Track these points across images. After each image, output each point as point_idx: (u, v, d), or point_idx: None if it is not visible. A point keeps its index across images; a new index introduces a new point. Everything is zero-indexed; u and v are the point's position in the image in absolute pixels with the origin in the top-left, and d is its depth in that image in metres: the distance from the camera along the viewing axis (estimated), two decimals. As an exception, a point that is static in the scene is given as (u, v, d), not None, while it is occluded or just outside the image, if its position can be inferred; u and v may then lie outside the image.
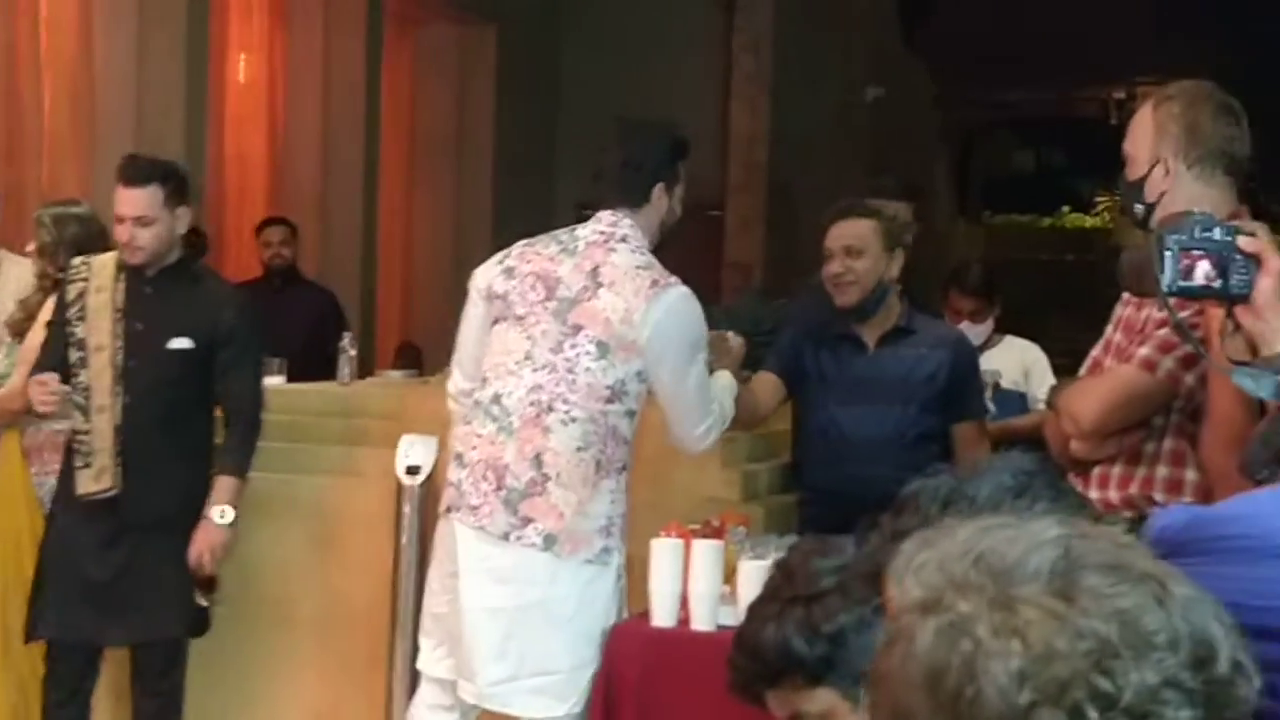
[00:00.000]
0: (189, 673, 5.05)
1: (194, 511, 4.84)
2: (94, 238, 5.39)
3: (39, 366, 4.93)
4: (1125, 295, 3.37)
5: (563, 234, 4.30)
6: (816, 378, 4.92)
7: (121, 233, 4.89)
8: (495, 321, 4.26)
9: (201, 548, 4.81)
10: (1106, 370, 3.37)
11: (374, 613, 5.04)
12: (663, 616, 4.22)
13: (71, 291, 4.97)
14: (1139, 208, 3.30)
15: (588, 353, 4.12)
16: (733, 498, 5.00)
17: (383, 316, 10.73)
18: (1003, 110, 11.80)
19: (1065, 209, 11.34)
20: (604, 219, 4.27)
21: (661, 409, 4.26)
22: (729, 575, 4.24)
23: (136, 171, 4.93)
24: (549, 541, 4.11)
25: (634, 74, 11.92)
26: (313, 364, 6.77)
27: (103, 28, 8.26)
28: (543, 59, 12.01)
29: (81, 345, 4.92)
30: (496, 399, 4.19)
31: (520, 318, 4.20)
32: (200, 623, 4.97)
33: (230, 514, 4.83)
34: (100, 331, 4.92)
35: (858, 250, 4.82)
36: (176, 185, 4.95)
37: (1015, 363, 6.32)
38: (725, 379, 4.51)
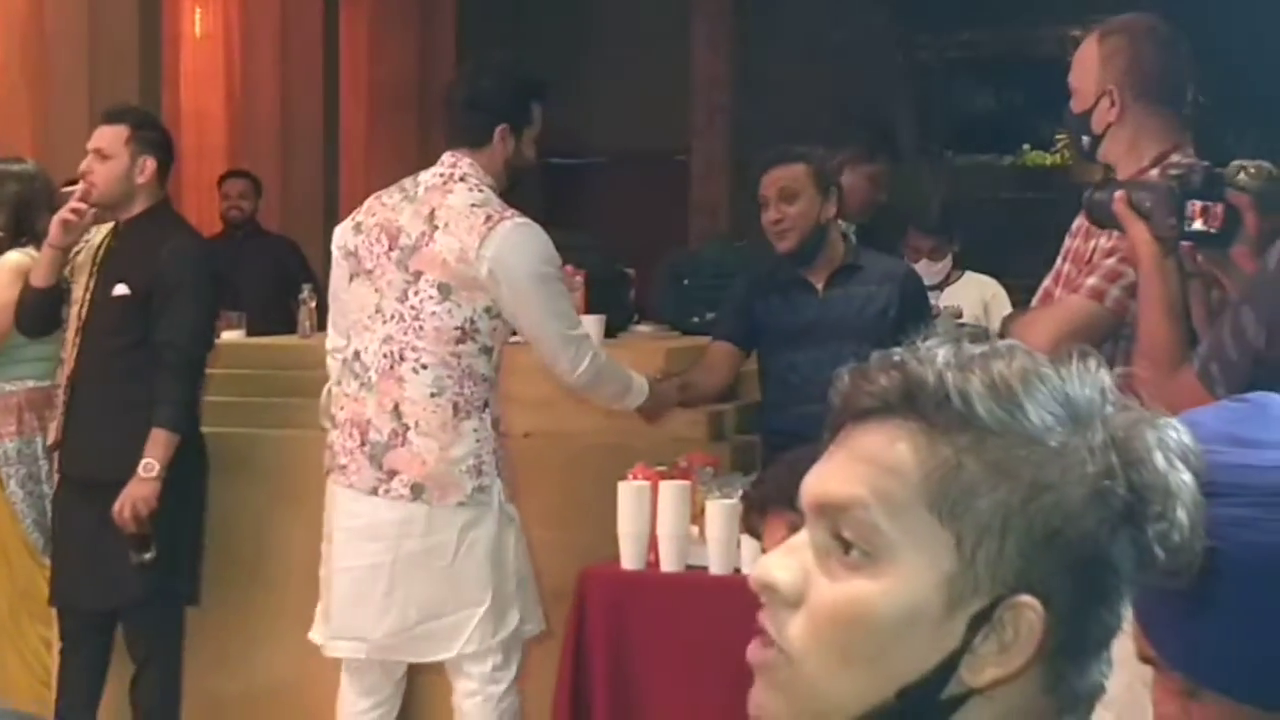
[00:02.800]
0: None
1: (133, 469, 4.73)
2: (37, 195, 5.35)
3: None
4: (1074, 227, 3.42)
5: (408, 182, 4.31)
6: (771, 326, 4.92)
7: (83, 166, 4.90)
8: (352, 278, 4.26)
9: (123, 502, 4.70)
10: (1056, 300, 3.39)
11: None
12: (631, 559, 4.22)
13: (74, 256, 5.03)
14: (1085, 140, 3.37)
15: (430, 297, 4.12)
16: (699, 437, 4.98)
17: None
18: (964, 50, 11.79)
19: (1026, 147, 11.34)
20: (444, 161, 4.27)
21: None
22: (697, 516, 4.24)
23: (113, 111, 5.06)
24: (416, 491, 4.13)
25: (594, 19, 11.84)
26: (277, 316, 6.73)
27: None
28: (501, 7, 11.90)
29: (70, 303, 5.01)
30: (356, 356, 4.22)
31: (369, 271, 4.22)
32: (164, 589, 4.88)
33: (154, 468, 4.72)
34: (78, 286, 4.99)
35: (791, 193, 4.82)
36: (146, 133, 4.97)
37: (975, 298, 6.37)
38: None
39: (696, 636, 4.09)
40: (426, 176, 4.25)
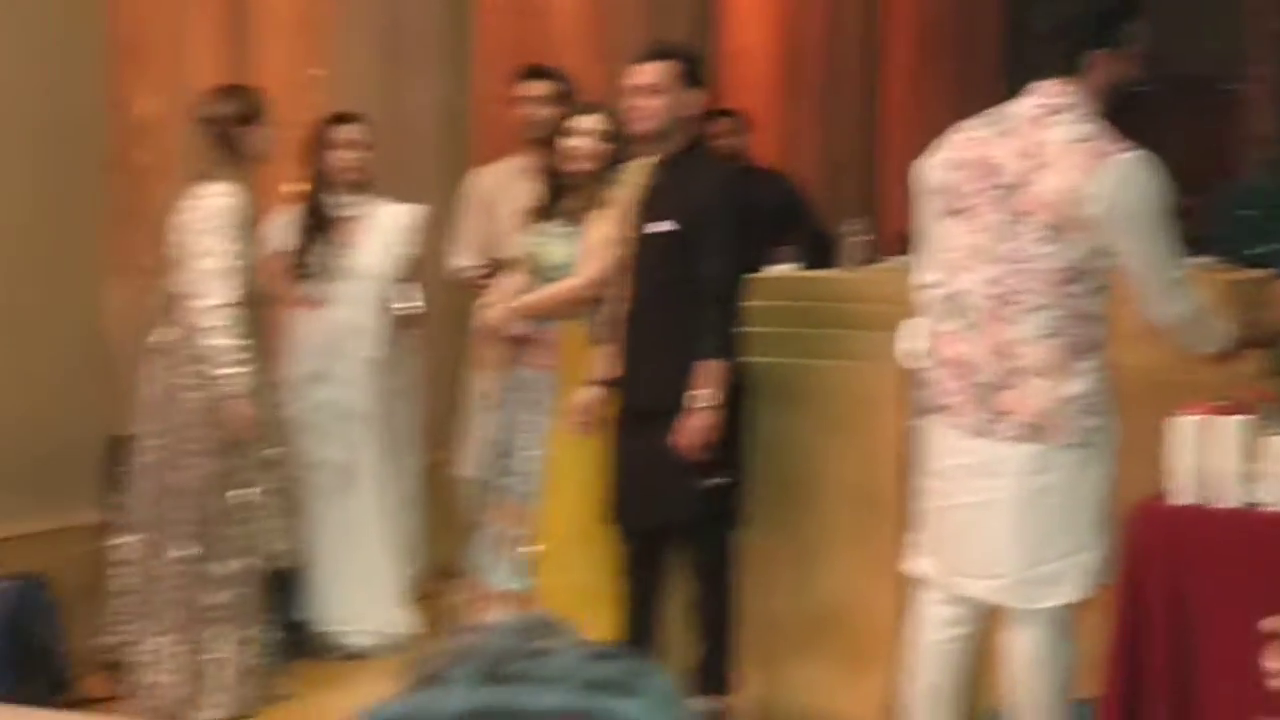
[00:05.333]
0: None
1: (682, 399, 4.91)
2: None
3: None
4: None
5: (998, 113, 4.13)
6: None
7: (628, 102, 5.10)
8: (945, 215, 4.15)
9: (686, 433, 4.90)
10: None
11: (888, 498, 5.06)
12: (1185, 494, 4.11)
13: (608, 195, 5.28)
14: None
15: (1038, 238, 3.97)
16: (1258, 373, 4.77)
17: (883, 204, 10.72)
18: None
19: None
20: (1039, 90, 4.08)
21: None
22: (1256, 452, 4.10)
23: (660, 49, 5.19)
24: (1029, 431, 4.03)
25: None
26: (769, 252, 6.74)
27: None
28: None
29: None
30: (958, 296, 4.11)
31: (966, 210, 4.09)
32: (719, 511, 5.07)
33: (709, 397, 4.86)
34: (620, 224, 5.18)
35: None
36: (693, 70, 5.09)
37: None
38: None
39: (1257, 575, 3.97)
40: (1022, 108, 4.08)
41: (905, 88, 11.19)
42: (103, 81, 5.99)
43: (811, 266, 6.42)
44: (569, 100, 6.17)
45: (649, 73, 5.04)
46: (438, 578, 6.45)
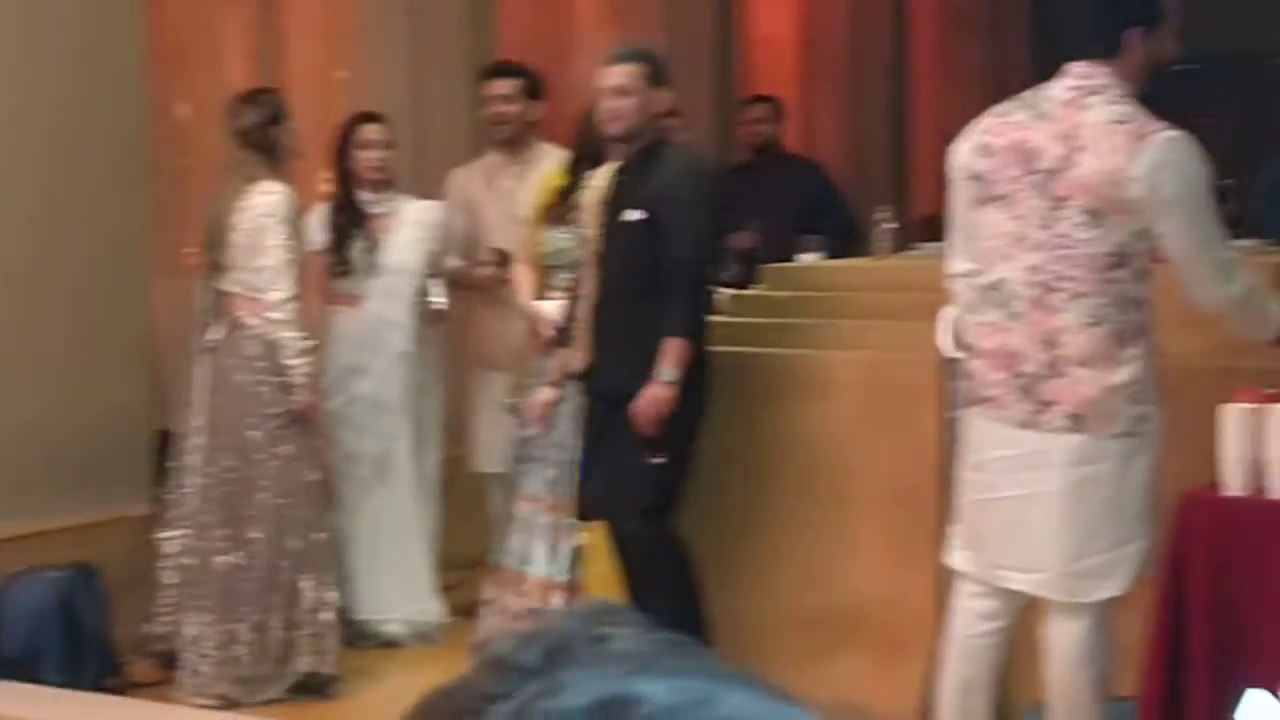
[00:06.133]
0: (747, 549, 5.14)
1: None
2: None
3: None
4: None
5: (1031, 96, 4.04)
6: None
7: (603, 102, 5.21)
8: (981, 202, 4.06)
9: (641, 403, 4.92)
10: None
11: (927, 491, 4.96)
12: (1237, 484, 3.99)
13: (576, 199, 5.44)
14: None
15: (1079, 223, 3.88)
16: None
17: (915, 189, 10.61)
18: None
19: None
20: (1074, 72, 3.98)
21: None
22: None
23: (626, 52, 5.27)
24: (1075, 421, 3.94)
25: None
26: (800, 239, 6.67)
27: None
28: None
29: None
30: (997, 285, 4.02)
31: (1004, 196, 3.99)
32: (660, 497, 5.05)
33: (670, 373, 4.90)
34: (587, 225, 5.28)
35: None
36: (659, 72, 5.18)
37: None
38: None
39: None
40: (1056, 91, 3.99)
41: (933, 72, 11.08)
42: (143, 88, 6.22)
43: (843, 255, 6.33)
44: (538, 96, 6.28)
45: (617, 75, 5.09)
46: (458, 569, 6.52)
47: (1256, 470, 3.98)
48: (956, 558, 4.28)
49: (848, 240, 6.80)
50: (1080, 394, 3.93)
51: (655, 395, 4.92)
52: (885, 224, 6.17)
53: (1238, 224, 5.78)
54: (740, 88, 9.39)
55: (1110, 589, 4.03)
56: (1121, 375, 3.92)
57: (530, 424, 5.54)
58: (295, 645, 5.49)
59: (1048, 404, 3.97)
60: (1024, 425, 4.00)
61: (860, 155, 9.88)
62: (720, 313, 5.51)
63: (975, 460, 4.16)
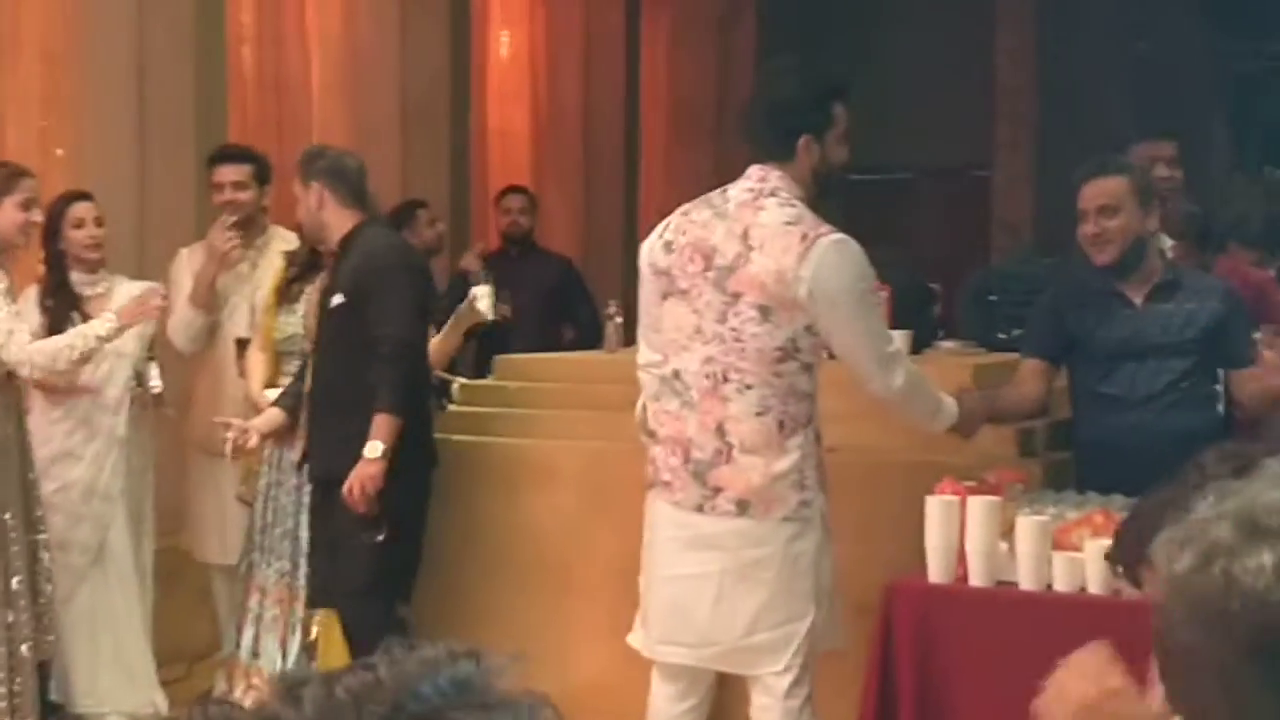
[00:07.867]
0: (481, 633, 5.13)
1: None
2: None
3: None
4: None
5: (715, 196, 4.23)
6: (1085, 340, 4.82)
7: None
8: (665, 296, 4.23)
9: (351, 481, 4.96)
10: None
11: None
12: (940, 573, 4.17)
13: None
14: None
15: (751, 318, 4.07)
16: (1008, 454, 4.89)
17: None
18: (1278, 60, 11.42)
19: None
20: (752, 174, 4.18)
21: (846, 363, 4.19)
22: (1006, 531, 4.17)
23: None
24: (742, 507, 4.12)
25: (894, 33, 11.75)
26: (551, 331, 6.79)
27: (366, 8, 8.40)
28: (799, 24, 11.89)
29: None
30: (676, 375, 4.20)
31: (684, 291, 4.18)
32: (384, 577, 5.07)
33: (379, 448, 4.95)
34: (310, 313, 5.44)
35: (1112, 209, 4.73)
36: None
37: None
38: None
39: (1007, 653, 4.02)
40: (735, 192, 4.18)
41: (662, 167, 11.30)
42: None
43: (590, 347, 6.43)
44: (268, 180, 6.22)
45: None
46: (185, 661, 6.37)
47: (958, 559, 4.16)
48: (634, 638, 4.41)
49: (594, 333, 6.91)
50: (747, 480, 4.09)
51: (363, 472, 4.96)
52: (615, 318, 6.27)
53: (943, 326, 6.03)
54: (478, 180, 9.47)
55: (780, 663, 4.16)
56: (785, 463, 4.09)
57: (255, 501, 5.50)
58: None
59: (718, 490, 4.13)
60: (696, 509, 4.16)
61: (592, 249, 10.03)
62: (455, 402, 5.56)
63: (650, 540, 4.31)
